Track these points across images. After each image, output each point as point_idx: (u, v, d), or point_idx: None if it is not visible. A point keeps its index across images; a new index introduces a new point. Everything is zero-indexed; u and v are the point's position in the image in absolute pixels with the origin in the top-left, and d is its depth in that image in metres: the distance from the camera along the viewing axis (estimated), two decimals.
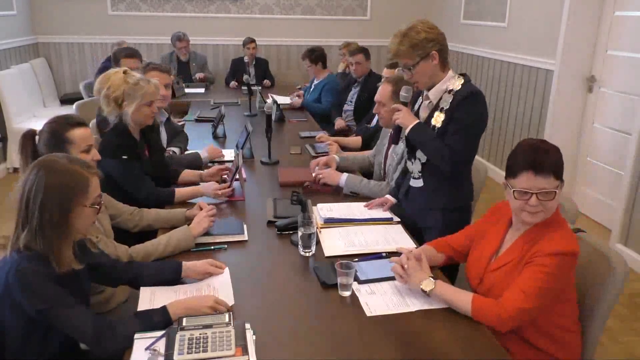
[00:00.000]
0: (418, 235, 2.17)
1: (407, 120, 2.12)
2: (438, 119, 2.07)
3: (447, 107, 2.06)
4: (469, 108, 2.04)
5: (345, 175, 2.61)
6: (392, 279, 1.75)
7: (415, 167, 2.20)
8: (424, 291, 1.62)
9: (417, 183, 2.22)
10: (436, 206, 2.18)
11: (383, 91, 2.65)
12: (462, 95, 2.04)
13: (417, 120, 2.12)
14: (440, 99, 2.10)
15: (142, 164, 2.45)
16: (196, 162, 2.89)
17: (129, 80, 2.36)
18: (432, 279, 1.63)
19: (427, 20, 2.13)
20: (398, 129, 2.22)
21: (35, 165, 1.46)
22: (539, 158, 1.53)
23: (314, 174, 2.67)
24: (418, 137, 2.11)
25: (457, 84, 2.07)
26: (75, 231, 1.48)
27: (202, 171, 2.71)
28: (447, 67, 2.12)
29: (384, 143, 2.87)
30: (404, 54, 2.06)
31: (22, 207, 1.43)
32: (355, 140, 3.64)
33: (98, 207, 1.51)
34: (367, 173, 3.01)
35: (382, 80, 2.85)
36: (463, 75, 2.13)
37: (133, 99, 2.35)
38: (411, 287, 1.67)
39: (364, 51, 4.64)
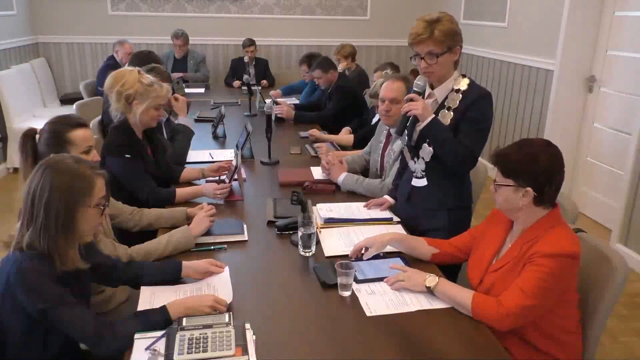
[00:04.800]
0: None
1: (427, 112, 2.00)
2: (446, 118, 2.05)
3: (456, 106, 2.04)
4: (485, 109, 2.04)
5: (344, 174, 2.62)
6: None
7: (418, 166, 2.18)
8: (428, 288, 1.64)
9: (420, 182, 2.19)
10: (443, 206, 2.16)
11: (398, 88, 2.53)
12: (475, 95, 2.02)
13: (434, 115, 2.04)
14: (446, 97, 2.09)
15: (145, 164, 2.45)
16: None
17: (143, 80, 2.39)
18: (434, 276, 1.66)
19: None
20: (405, 120, 2.07)
21: (41, 165, 1.47)
22: (499, 155, 1.64)
23: (325, 157, 2.76)
24: (438, 133, 2.01)
25: (463, 84, 2.07)
26: (80, 232, 1.48)
27: (203, 167, 2.71)
28: (456, 66, 2.11)
29: (380, 140, 2.86)
30: (436, 40, 1.98)
31: (28, 206, 1.43)
32: (348, 138, 3.65)
33: (102, 208, 1.51)
34: (366, 171, 3.01)
35: (385, 79, 2.81)
36: (463, 75, 2.12)
37: (144, 100, 2.37)
38: (414, 289, 1.67)
39: (321, 65, 4.30)
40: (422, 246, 1.91)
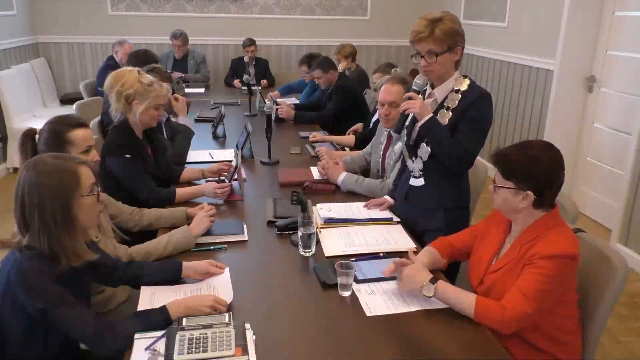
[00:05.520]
0: (418, 238, 2.14)
1: (425, 111, 2.01)
2: (444, 118, 2.05)
3: (455, 106, 2.04)
4: (484, 109, 2.03)
5: (344, 174, 2.62)
6: (389, 278, 1.74)
7: (416, 165, 2.18)
8: (425, 296, 1.61)
9: (417, 182, 2.19)
10: (441, 206, 2.16)
11: (397, 92, 2.54)
12: (474, 95, 2.02)
13: (432, 114, 2.04)
14: (446, 97, 2.08)
15: (145, 164, 2.45)
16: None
17: (142, 80, 2.40)
18: (431, 284, 1.60)
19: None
20: (403, 118, 2.09)
21: (24, 169, 1.45)
22: (499, 155, 1.64)
23: (321, 161, 2.76)
24: (435, 132, 2.02)
25: (463, 84, 2.06)
26: (82, 224, 1.47)
27: (203, 168, 2.72)
28: (457, 67, 2.11)
29: (381, 141, 2.86)
30: (436, 39, 1.97)
31: (19, 212, 1.42)
32: (349, 138, 3.65)
33: (96, 194, 1.51)
34: (366, 171, 3.01)
35: (382, 81, 2.81)
36: (464, 76, 2.12)
37: (144, 100, 2.38)
38: (412, 292, 1.66)
39: (321, 65, 4.28)
40: (438, 259, 1.87)
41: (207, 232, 2.05)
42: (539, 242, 1.57)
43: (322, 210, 2.27)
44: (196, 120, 4.10)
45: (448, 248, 1.89)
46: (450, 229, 2.04)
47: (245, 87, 4.69)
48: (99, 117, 3.35)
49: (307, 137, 3.63)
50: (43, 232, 1.41)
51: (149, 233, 2.12)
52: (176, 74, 5.65)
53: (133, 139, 2.43)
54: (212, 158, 3.09)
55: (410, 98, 2.03)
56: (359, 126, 3.92)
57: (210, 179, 2.66)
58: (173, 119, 3.30)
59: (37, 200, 1.40)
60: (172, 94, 3.16)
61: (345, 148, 3.56)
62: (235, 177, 2.52)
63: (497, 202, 1.67)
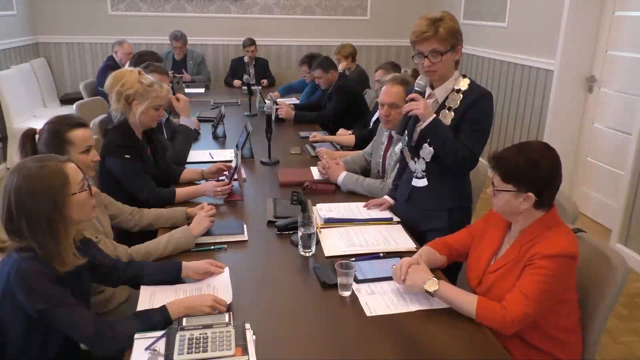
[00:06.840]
0: (420, 238, 2.13)
1: (428, 112, 2.00)
2: (446, 118, 2.04)
3: (457, 106, 2.04)
4: (485, 109, 2.03)
5: (344, 173, 2.62)
6: (389, 279, 1.75)
7: (418, 166, 2.17)
8: (427, 292, 1.61)
9: (420, 182, 2.19)
10: (443, 206, 2.16)
11: (397, 93, 2.52)
12: (475, 95, 2.01)
13: (435, 115, 2.04)
14: (447, 98, 2.08)
15: (145, 164, 2.45)
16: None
17: (143, 81, 2.40)
18: (435, 280, 1.63)
19: None
20: (406, 120, 2.08)
21: (9, 177, 1.42)
22: (497, 158, 1.62)
23: (321, 161, 2.75)
24: (439, 133, 2.01)
25: (463, 84, 2.06)
26: (74, 222, 1.47)
27: (203, 169, 2.72)
28: (457, 66, 2.11)
29: (382, 141, 2.86)
30: (440, 38, 1.97)
31: (7, 221, 1.41)
32: (349, 138, 3.65)
33: (87, 189, 1.50)
34: (367, 171, 3.01)
35: (382, 81, 2.81)
36: (463, 75, 2.12)
37: (144, 100, 2.38)
38: (413, 289, 1.66)
39: (322, 65, 4.27)
40: (437, 257, 1.87)
41: (207, 232, 2.05)
42: (538, 242, 1.57)
43: (322, 210, 2.27)
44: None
45: (447, 248, 1.89)
46: (452, 229, 2.04)
47: (245, 87, 4.69)
48: (99, 117, 3.34)
49: (307, 137, 3.63)
50: (33, 239, 1.40)
51: (149, 233, 2.12)
52: (186, 76, 5.67)
53: (133, 140, 2.43)
54: (212, 158, 3.09)
55: (413, 99, 2.02)
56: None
57: (211, 179, 2.66)
58: (174, 120, 3.30)
59: (26, 208, 1.38)
60: (173, 94, 3.15)
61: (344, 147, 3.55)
62: (235, 177, 2.52)
63: (497, 205, 1.66)
